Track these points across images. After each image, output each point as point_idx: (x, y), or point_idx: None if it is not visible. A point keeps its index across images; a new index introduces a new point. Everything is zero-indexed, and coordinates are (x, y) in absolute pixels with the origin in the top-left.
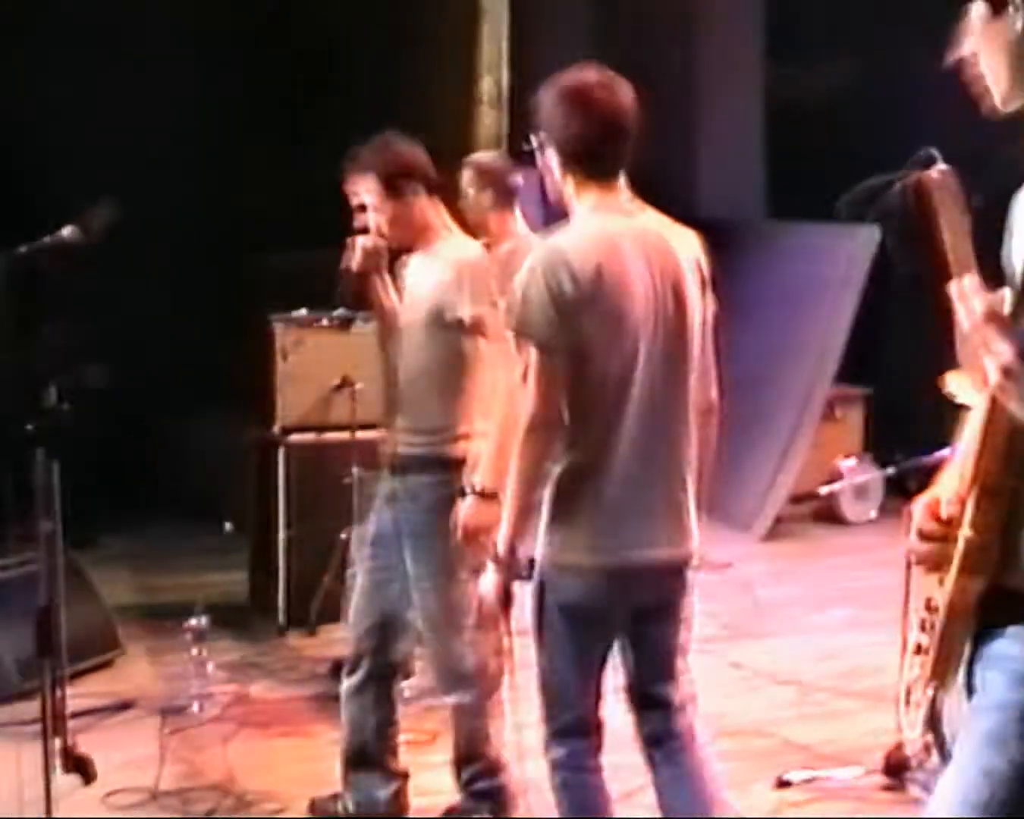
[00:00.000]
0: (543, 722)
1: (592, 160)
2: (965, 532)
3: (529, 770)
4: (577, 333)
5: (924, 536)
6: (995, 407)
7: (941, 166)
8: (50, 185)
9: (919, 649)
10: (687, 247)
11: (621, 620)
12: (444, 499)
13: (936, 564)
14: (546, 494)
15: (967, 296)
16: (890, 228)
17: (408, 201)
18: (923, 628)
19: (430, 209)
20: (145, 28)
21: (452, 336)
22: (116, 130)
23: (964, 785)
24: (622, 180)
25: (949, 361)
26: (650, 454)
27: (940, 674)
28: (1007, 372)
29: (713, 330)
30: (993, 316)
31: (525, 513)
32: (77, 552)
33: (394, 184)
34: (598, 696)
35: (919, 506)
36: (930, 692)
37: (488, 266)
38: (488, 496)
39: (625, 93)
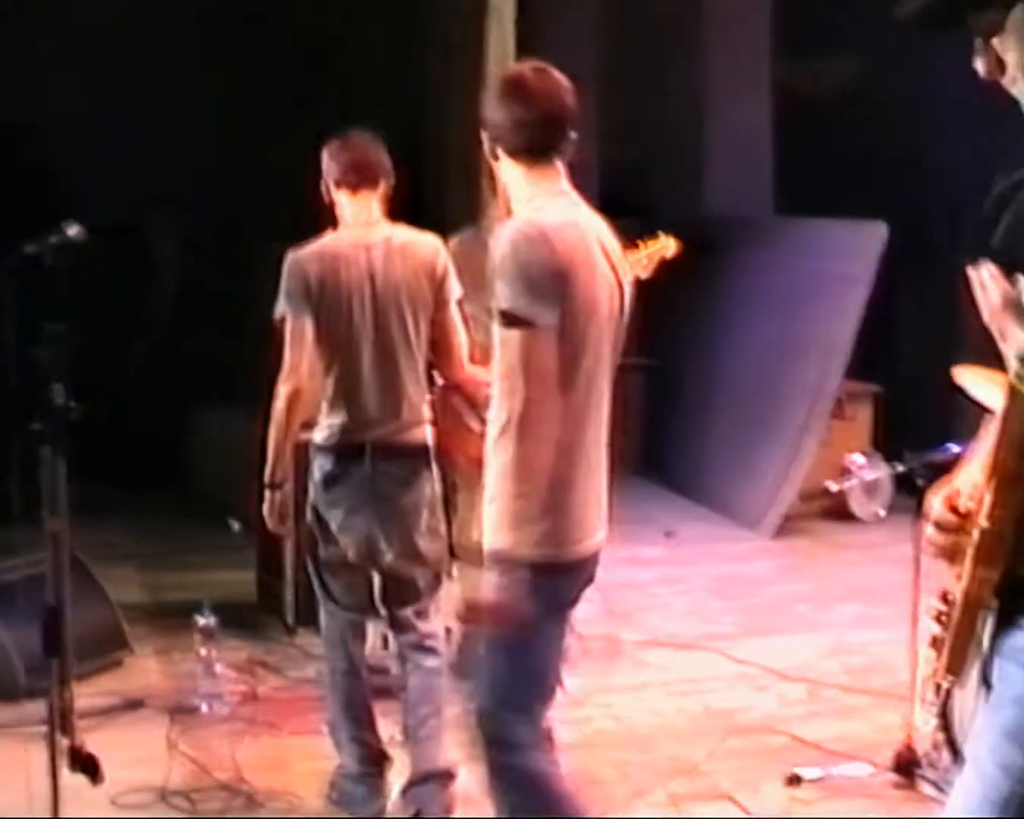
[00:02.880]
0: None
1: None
2: (982, 523)
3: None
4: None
5: (941, 527)
6: (1013, 397)
7: None
8: (59, 183)
9: (934, 642)
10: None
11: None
12: None
13: (953, 556)
14: (532, 485)
15: (984, 284)
16: None
17: None
18: (939, 621)
19: None
20: (154, 21)
21: None
22: (126, 129)
23: (982, 782)
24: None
25: (958, 356)
26: (596, 440)
27: (955, 667)
28: None
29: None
30: (1009, 304)
31: None
32: None
33: None
34: None
35: (938, 498)
36: (944, 685)
37: None
38: None
39: (560, 79)
